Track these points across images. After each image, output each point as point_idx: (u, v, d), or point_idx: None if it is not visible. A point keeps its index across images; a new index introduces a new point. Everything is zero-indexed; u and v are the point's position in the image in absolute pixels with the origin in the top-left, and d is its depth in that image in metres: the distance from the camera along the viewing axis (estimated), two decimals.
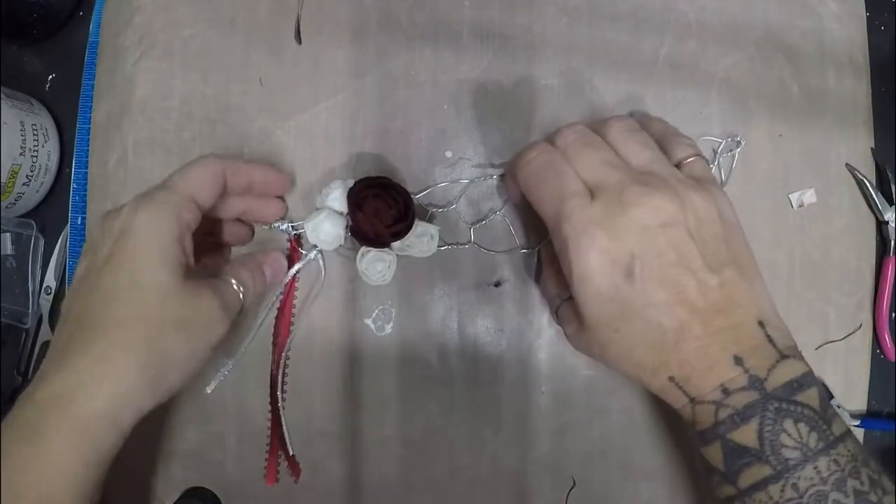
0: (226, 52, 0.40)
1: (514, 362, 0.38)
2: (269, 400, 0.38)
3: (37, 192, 0.41)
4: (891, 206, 0.39)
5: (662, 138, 0.33)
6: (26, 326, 0.42)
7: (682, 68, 0.39)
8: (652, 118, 0.36)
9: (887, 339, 0.39)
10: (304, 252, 0.37)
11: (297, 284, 0.38)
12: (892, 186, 0.39)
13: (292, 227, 0.37)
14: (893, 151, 0.40)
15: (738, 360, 0.26)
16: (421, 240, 0.36)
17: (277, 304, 0.38)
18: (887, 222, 0.39)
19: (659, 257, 0.27)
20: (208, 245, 0.36)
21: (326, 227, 0.35)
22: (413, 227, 0.35)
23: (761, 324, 0.27)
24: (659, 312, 0.27)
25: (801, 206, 0.39)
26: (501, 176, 0.38)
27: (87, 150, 0.40)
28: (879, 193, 0.39)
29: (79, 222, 0.40)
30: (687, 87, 0.39)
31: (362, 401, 0.38)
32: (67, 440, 0.25)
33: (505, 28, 0.39)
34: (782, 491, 0.25)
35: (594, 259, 0.27)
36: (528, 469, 0.38)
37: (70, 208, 0.41)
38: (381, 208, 0.34)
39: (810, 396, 0.26)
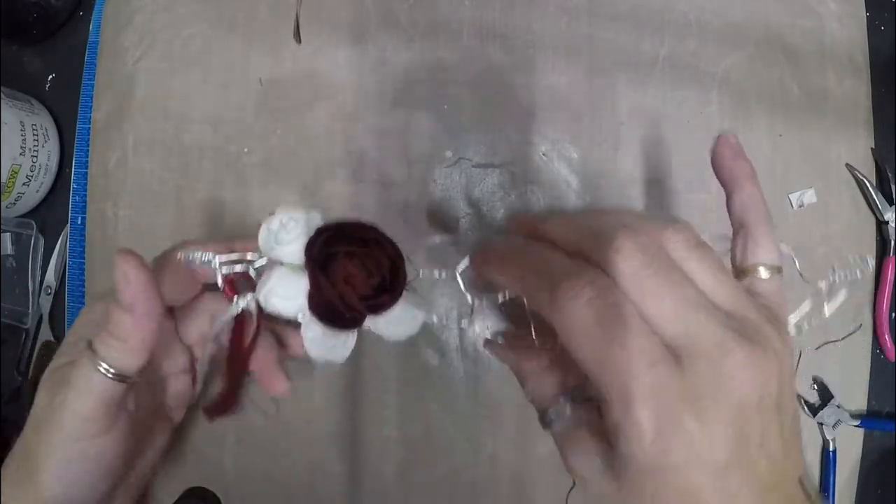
0: (226, 52, 0.40)
1: None
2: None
3: (37, 192, 0.41)
4: (891, 206, 0.39)
5: (740, 225, 0.25)
6: (26, 326, 0.42)
7: (682, 68, 0.39)
8: (739, 183, 0.25)
9: (887, 339, 0.39)
10: (237, 298, 0.25)
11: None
12: (892, 186, 0.39)
13: (217, 261, 0.25)
14: (893, 151, 0.40)
15: None
16: (393, 327, 0.25)
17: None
18: (887, 222, 0.39)
19: (747, 443, 0.21)
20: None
21: (276, 300, 0.24)
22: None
23: (800, 480, 0.23)
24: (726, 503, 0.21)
25: (801, 206, 0.39)
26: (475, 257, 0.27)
27: (87, 150, 0.40)
28: (879, 193, 0.39)
29: (79, 222, 0.40)
30: (687, 87, 0.39)
31: (362, 401, 0.38)
32: None
33: (505, 28, 0.39)
34: None
35: (677, 453, 0.20)
36: (528, 469, 0.38)
37: (70, 208, 0.41)
38: (356, 273, 0.23)
39: None
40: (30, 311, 0.42)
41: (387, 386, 0.38)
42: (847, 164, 0.39)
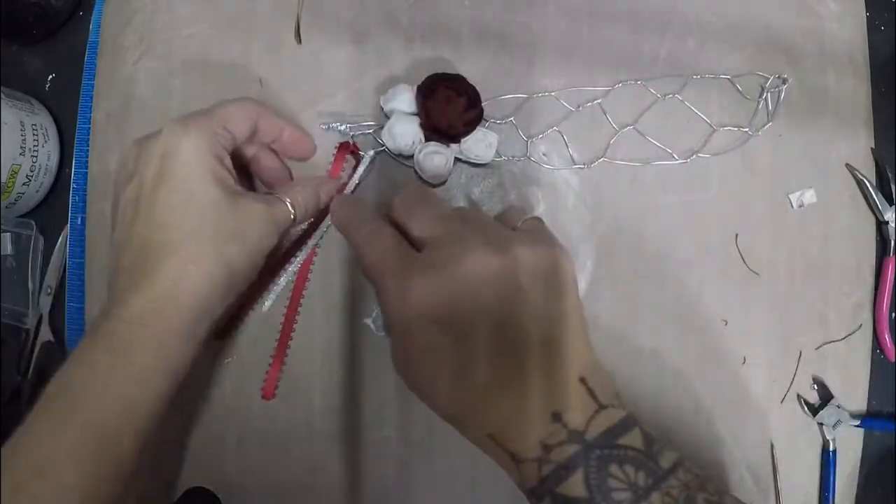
0: (226, 52, 0.40)
1: None
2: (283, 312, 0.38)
3: (37, 192, 0.41)
4: (891, 206, 0.39)
5: (499, 215, 0.36)
6: (26, 326, 0.42)
7: (682, 68, 0.39)
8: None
9: (887, 339, 0.39)
10: (362, 154, 0.38)
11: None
12: (892, 186, 0.39)
13: (349, 127, 0.38)
14: (893, 151, 0.40)
15: (557, 417, 0.26)
16: (479, 145, 0.36)
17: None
18: (887, 222, 0.39)
19: (484, 311, 0.26)
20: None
21: (398, 128, 0.35)
22: (475, 130, 0.36)
23: (583, 380, 0.27)
24: (477, 368, 0.26)
25: (801, 206, 0.39)
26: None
27: (87, 150, 0.40)
28: (879, 193, 0.39)
29: (79, 222, 0.40)
30: (687, 87, 0.39)
31: (362, 401, 0.38)
32: (153, 356, 0.27)
33: (505, 28, 0.39)
34: None
35: (408, 304, 0.27)
36: None
37: (70, 208, 0.41)
38: (452, 96, 0.35)
39: (633, 438, 0.26)
40: (30, 311, 0.42)
41: (387, 386, 0.38)
42: (847, 164, 0.39)
